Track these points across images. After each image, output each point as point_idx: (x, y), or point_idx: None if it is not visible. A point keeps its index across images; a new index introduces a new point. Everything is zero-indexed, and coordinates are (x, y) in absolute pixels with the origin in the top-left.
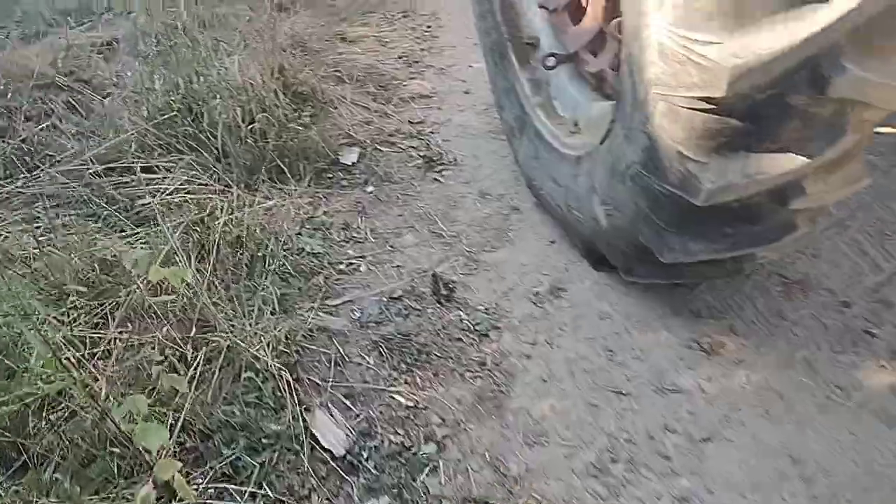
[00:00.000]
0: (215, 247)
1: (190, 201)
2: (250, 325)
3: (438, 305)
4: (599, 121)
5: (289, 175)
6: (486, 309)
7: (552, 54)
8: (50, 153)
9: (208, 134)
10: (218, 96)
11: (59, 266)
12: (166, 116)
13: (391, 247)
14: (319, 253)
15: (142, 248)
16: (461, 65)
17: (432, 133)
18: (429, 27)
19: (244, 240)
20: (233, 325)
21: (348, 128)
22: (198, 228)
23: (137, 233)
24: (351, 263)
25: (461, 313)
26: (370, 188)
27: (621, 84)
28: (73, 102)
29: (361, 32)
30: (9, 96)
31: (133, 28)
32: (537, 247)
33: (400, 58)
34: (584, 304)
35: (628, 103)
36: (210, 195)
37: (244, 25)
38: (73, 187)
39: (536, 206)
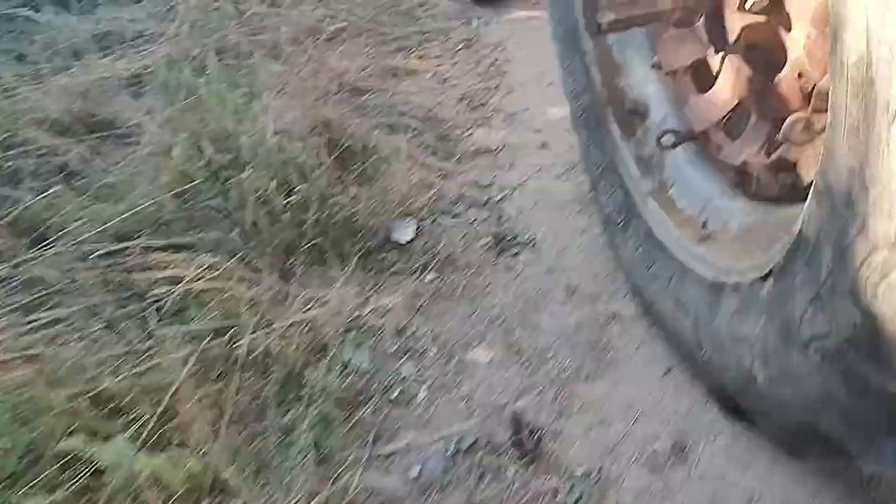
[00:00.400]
0: (239, 369)
1: (211, 294)
2: (278, 492)
3: (522, 463)
4: (749, 238)
5: (332, 257)
6: (586, 473)
7: (671, 131)
8: (56, 223)
9: (237, 207)
10: (250, 164)
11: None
12: (189, 185)
13: (457, 365)
14: (368, 371)
15: (148, 370)
16: (534, 109)
17: (503, 201)
18: (495, 61)
19: (275, 356)
20: (254, 494)
21: (403, 192)
22: (219, 341)
23: (146, 347)
24: (406, 389)
25: (554, 479)
26: (429, 276)
27: (810, 223)
28: (90, 156)
29: (418, 66)
30: (15, 152)
31: (164, 57)
32: (648, 377)
33: (462, 99)
34: (718, 476)
35: (825, 254)
36: (237, 285)
37: (283, 65)
38: (77, 271)
39: (642, 314)
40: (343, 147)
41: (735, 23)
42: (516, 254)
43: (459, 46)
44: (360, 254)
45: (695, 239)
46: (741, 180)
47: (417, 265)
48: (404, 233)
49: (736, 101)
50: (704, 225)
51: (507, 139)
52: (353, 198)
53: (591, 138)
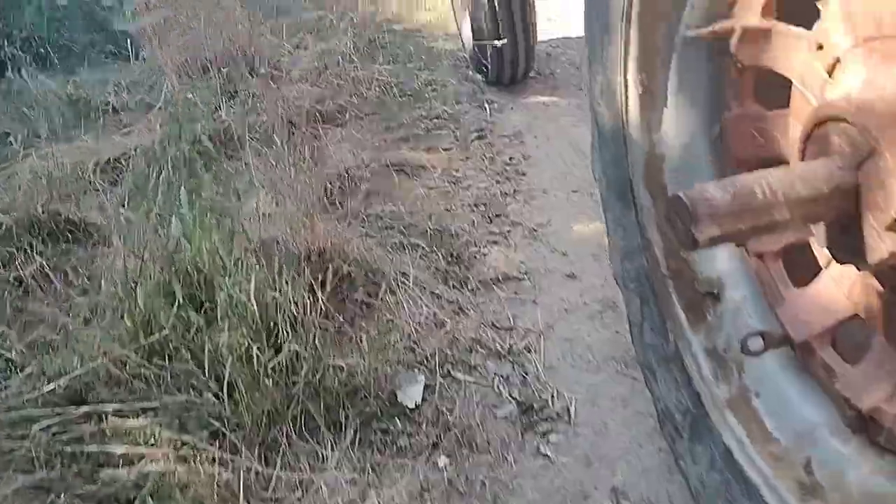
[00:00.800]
0: None
1: (176, 480)
2: None
3: None
4: None
5: (323, 427)
6: None
7: (760, 333)
8: None
9: (212, 364)
10: (228, 312)
11: None
12: (155, 336)
13: None
14: None
15: None
16: (558, 224)
17: (527, 351)
18: (511, 158)
19: None
20: None
21: (410, 332)
22: None
23: None
24: None
25: None
26: (442, 460)
27: None
28: (49, 272)
29: (426, 160)
30: None
31: (143, 147)
32: None
33: (476, 206)
34: None
35: None
36: (208, 466)
37: (277, 155)
38: (15, 439)
39: None
40: (341, 277)
41: (877, 242)
42: (546, 433)
43: (472, 136)
44: (358, 421)
45: (795, 485)
46: (864, 425)
47: (427, 442)
48: (411, 394)
49: (852, 313)
50: (808, 467)
51: (528, 263)
52: (352, 343)
53: (646, 313)
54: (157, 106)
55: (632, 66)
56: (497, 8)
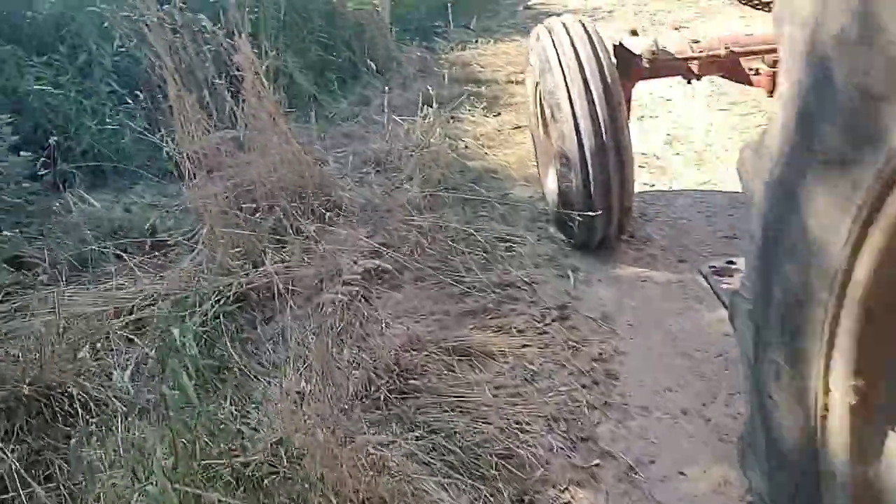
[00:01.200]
0: None
1: None
2: None
3: None
4: None
5: None
6: None
7: None
8: None
9: None
10: None
11: None
12: None
13: None
14: None
15: None
16: (666, 464)
17: None
18: (601, 353)
19: None
20: None
21: None
22: None
23: None
24: None
25: None
26: None
27: None
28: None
29: (494, 345)
30: None
31: (176, 290)
32: None
33: (555, 421)
34: None
35: None
36: None
37: (316, 322)
38: None
39: None
40: None
41: None
42: None
43: (551, 316)
44: None
45: None
46: None
47: None
48: None
49: None
50: None
51: None
52: None
53: None
54: (196, 250)
55: (840, 362)
56: (590, 168)
